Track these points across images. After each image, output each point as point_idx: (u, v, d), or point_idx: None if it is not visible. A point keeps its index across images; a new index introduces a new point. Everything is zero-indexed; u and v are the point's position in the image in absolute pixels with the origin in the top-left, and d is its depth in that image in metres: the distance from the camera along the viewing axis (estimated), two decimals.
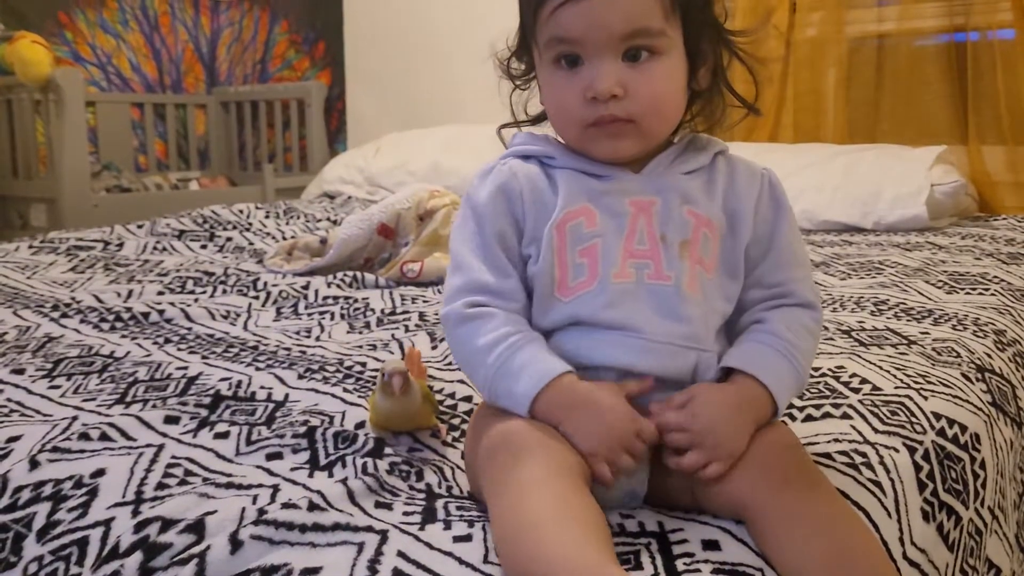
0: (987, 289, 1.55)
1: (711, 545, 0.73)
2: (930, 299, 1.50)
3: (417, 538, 0.73)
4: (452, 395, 1.08)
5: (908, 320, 1.37)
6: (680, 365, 0.82)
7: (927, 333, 1.29)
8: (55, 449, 0.89)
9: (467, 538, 0.73)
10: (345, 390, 1.07)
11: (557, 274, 0.83)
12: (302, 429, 0.94)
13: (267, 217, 2.51)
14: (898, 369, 1.12)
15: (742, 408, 0.80)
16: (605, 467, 0.76)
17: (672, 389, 0.81)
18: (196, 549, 0.71)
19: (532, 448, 0.74)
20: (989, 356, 1.23)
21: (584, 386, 0.79)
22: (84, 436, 0.92)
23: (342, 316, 1.49)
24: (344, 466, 0.87)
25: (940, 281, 1.61)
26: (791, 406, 1.01)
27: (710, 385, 0.82)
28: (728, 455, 0.77)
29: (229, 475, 0.85)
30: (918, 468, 0.92)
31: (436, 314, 1.44)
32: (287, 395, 1.07)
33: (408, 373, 0.91)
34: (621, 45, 0.81)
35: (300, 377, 1.13)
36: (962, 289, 1.56)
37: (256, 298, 1.59)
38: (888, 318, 1.38)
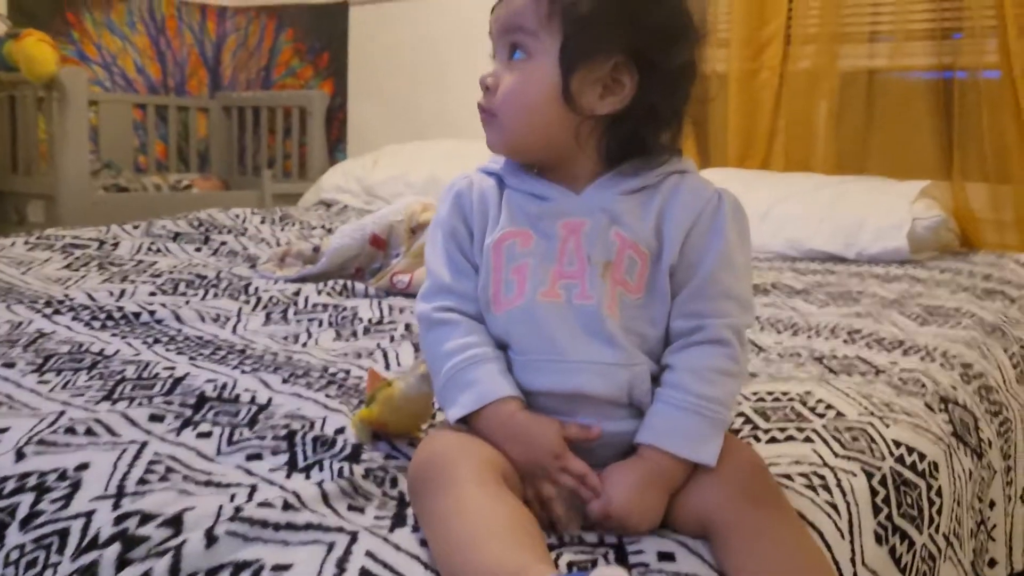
0: (959, 323, 1.59)
1: (666, 557, 0.76)
2: (902, 330, 1.53)
3: (386, 540, 0.76)
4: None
5: (879, 350, 1.40)
6: (611, 384, 0.84)
7: (895, 363, 1.33)
8: (41, 442, 0.92)
9: None
10: (328, 396, 1.11)
11: (492, 290, 0.88)
12: (283, 432, 0.97)
13: (263, 223, 2.55)
14: (864, 397, 1.16)
15: (652, 483, 0.81)
16: (533, 490, 0.82)
17: (612, 409, 0.85)
18: (172, 542, 0.74)
19: (454, 466, 0.77)
20: (954, 388, 1.27)
21: (522, 417, 0.84)
22: (70, 430, 0.95)
23: (330, 324, 1.52)
24: (321, 469, 0.90)
25: (914, 313, 1.65)
26: (756, 427, 1.04)
27: (622, 465, 0.83)
28: (648, 529, 0.81)
29: (209, 473, 0.88)
30: (874, 492, 0.95)
31: None
32: (270, 399, 1.10)
33: None
34: (507, 39, 0.88)
35: (284, 382, 1.16)
36: (935, 322, 1.59)
37: (247, 303, 1.62)
38: (860, 347, 1.42)
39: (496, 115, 0.89)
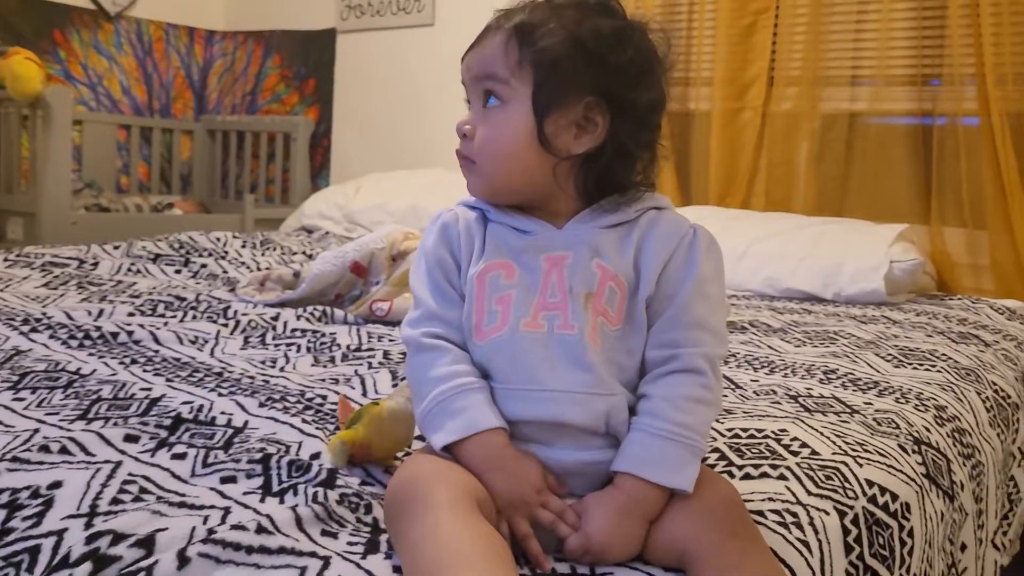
0: (934, 366, 1.60)
1: None
2: (878, 371, 1.55)
3: (358, 566, 0.76)
4: None
5: (854, 390, 1.42)
6: (589, 413, 0.85)
7: (870, 404, 1.34)
8: (15, 459, 0.92)
9: None
10: (304, 421, 1.10)
11: (475, 319, 0.89)
12: (258, 456, 0.97)
13: (243, 247, 2.54)
14: (838, 436, 1.17)
15: (631, 512, 0.82)
16: (507, 526, 0.82)
17: (588, 438, 0.86)
18: (144, 563, 0.73)
19: (429, 491, 0.77)
20: (927, 430, 1.28)
21: (509, 451, 0.84)
22: (44, 448, 0.94)
23: (308, 349, 1.52)
24: (296, 494, 0.90)
25: (890, 355, 1.66)
26: (730, 463, 1.05)
27: (599, 496, 0.84)
28: (626, 559, 0.81)
29: (183, 495, 0.88)
30: (846, 531, 0.96)
31: (401, 353, 1.48)
32: (246, 422, 1.10)
33: None
34: (479, 87, 0.90)
35: (261, 405, 1.16)
36: (910, 364, 1.61)
37: (225, 326, 1.62)
38: (835, 387, 1.43)
39: (475, 162, 0.91)
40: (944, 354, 1.69)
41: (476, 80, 0.91)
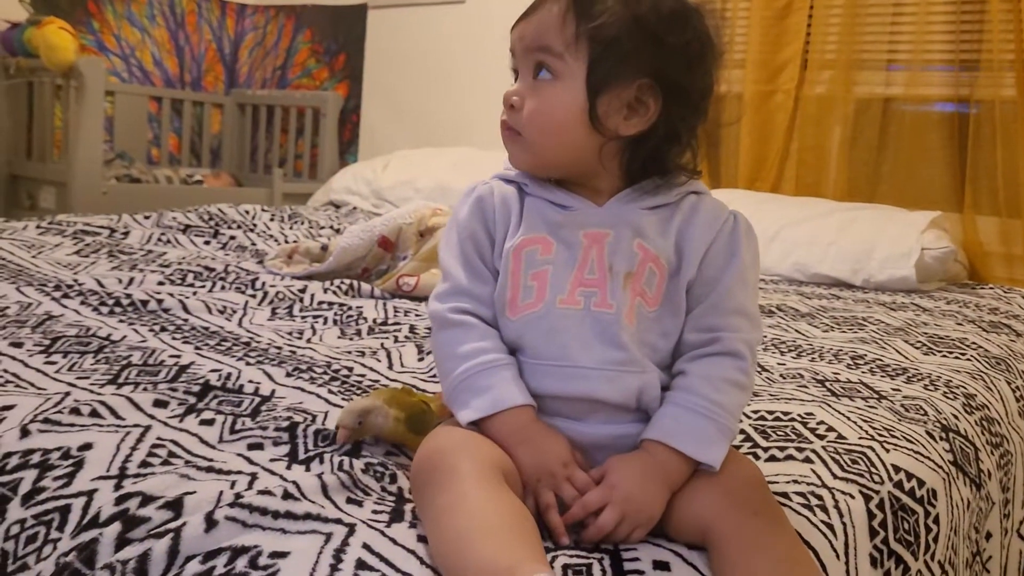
0: (963, 354, 1.59)
1: (662, 566, 0.77)
2: (907, 358, 1.53)
3: (383, 534, 0.76)
4: None
5: (882, 376, 1.40)
6: (621, 390, 0.85)
7: (898, 390, 1.33)
8: (46, 420, 0.93)
9: None
10: (330, 392, 1.11)
11: (509, 294, 0.88)
12: (285, 424, 0.98)
13: (272, 220, 2.55)
14: (865, 421, 1.16)
15: (654, 474, 0.82)
16: (533, 498, 0.82)
17: (620, 413, 0.87)
18: (172, 525, 0.74)
19: (455, 462, 0.78)
20: (956, 417, 1.27)
21: (537, 426, 0.85)
22: (75, 411, 0.96)
23: (335, 322, 1.53)
24: (321, 462, 0.91)
25: (919, 342, 1.65)
26: (756, 444, 1.04)
27: (623, 456, 0.84)
28: (648, 519, 0.81)
29: (211, 460, 0.89)
30: (871, 516, 0.96)
31: (427, 328, 1.48)
32: (273, 391, 1.10)
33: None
34: (531, 58, 0.88)
35: (288, 375, 1.16)
36: (939, 352, 1.59)
37: (253, 296, 1.63)
38: (863, 372, 1.42)
39: (521, 134, 0.89)
40: (974, 343, 1.67)
41: (528, 51, 0.89)
